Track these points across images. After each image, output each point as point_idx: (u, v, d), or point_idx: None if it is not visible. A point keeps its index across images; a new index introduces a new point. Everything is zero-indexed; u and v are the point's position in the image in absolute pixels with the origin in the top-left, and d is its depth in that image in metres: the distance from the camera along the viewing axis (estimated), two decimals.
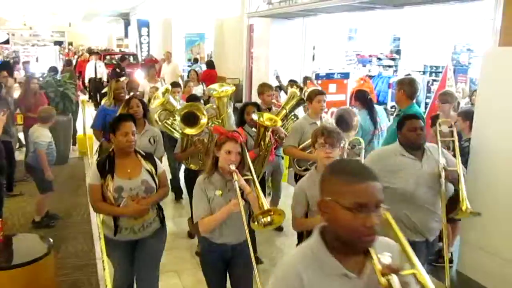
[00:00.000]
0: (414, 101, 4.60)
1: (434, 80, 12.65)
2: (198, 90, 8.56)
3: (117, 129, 3.25)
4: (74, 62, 18.74)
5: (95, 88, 14.72)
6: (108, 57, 19.32)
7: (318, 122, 4.66)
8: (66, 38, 39.14)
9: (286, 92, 6.56)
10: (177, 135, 5.27)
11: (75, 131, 9.46)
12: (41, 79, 8.99)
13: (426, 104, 10.31)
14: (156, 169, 3.33)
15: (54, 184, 5.71)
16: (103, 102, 6.25)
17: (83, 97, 13.44)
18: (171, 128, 5.42)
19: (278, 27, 9.97)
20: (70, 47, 35.74)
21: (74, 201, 6.54)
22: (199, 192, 2.97)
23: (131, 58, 19.08)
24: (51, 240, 3.95)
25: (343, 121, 4.88)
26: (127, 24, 27.81)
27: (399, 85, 4.59)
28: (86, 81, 15.37)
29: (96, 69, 14.73)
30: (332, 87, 6.34)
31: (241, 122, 4.92)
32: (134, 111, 4.39)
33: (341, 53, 14.04)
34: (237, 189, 2.82)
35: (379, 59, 15.12)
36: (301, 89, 5.54)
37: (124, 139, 3.21)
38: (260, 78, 10.41)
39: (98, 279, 4.44)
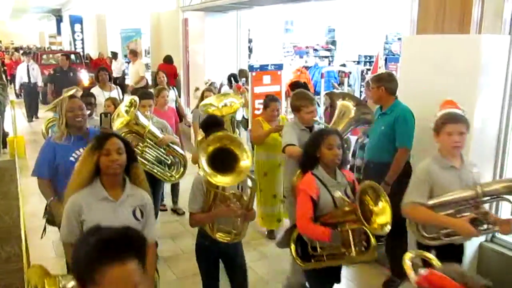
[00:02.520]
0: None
1: (368, 69, 13.08)
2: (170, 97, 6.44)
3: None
4: (2, 63, 17.55)
5: (28, 96, 12.59)
6: (45, 56, 16.91)
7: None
8: None
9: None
10: (149, 167, 4.32)
11: (4, 134, 9.04)
12: None
13: (361, 93, 10.66)
14: None
15: None
16: (45, 126, 5.75)
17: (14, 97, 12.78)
18: (142, 160, 4.23)
19: (213, 20, 9.96)
20: None
21: (6, 204, 6.27)
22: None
23: (73, 57, 15.93)
24: None
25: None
26: (59, 20, 26.75)
27: (376, 82, 4.09)
28: (17, 87, 13.65)
29: (29, 72, 12.39)
30: (266, 79, 6.40)
31: None
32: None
33: (279, 45, 14.22)
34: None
35: (316, 50, 15.45)
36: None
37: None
38: (197, 73, 10.40)
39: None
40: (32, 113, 12.65)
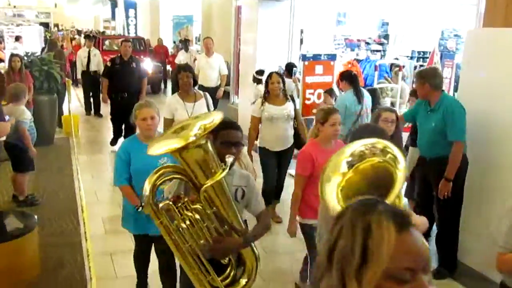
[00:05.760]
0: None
1: (421, 66, 12.68)
2: None
3: None
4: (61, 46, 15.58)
5: (89, 87, 10.96)
6: (107, 42, 15.33)
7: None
8: (51, 20, 38.49)
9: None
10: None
11: (60, 112, 9.36)
12: (25, 58, 8.84)
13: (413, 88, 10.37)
14: None
15: (37, 164, 5.68)
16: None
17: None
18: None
19: (266, 9, 9.90)
20: (58, 29, 35.06)
21: (60, 180, 6.52)
22: None
23: (136, 44, 14.19)
24: (36, 217, 3.94)
25: None
26: (113, 5, 27.40)
27: (421, 79, 4.10)
28: (79, 75, 11.72)
29: (90, 59, 10.91)
30: (318, 69, 6.33)
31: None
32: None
33: (330, 37, 14.01)
34: None
35: (367, 43, 15.11)
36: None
37: None
38: (247, 62, 10.39)
39: (83, 257, 4.44)
40: (89, 107, 11.15)
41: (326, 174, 1.77)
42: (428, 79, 3.99)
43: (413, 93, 5.19)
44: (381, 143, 1.80)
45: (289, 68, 7.74)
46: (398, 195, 1.72)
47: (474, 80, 4.09)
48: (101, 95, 8.67)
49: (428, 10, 13.48)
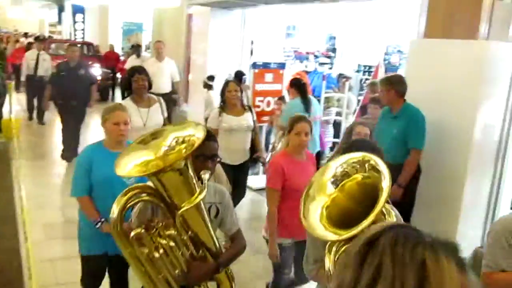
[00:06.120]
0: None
1: (367, 79, 13.16)
2: None
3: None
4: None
5: (34, 92, 10.08)
6: (53, 45, 14.33)
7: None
8: None
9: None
10: None
11: (0, 115, 8.93)
12: None
13: (359, 101, 10.73)
14: None
15: None
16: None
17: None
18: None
19: (218, 18, 9.97)
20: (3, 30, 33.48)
21: (0, 184, 6.24)
22: None
23: (85, 49, 14.15)
24: None
25: None
26: (61, 9, 26.63)
27: (386, 85, 4.14)
28: (23, 77, 10.43)
29: (39, 63, 10.07)
30: (268, 77, 6.45)
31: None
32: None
33: (279, 49, 14.25)
34: None
35: (316, 56, 15.51)
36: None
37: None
38: (198, 70, 10.38)
39: (21, 264, 4.26)
40: (32, 113, 10.55)
41: (311, 194, 1.69)
42: (395, 86, 4.07)
43: (372, 100, 5.29)
44: (367, 157, 1.71)
45: (239, 76, 7.77)
46: (387, 209, 1.69)
47: (416, 89, 4.28)
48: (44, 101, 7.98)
49: (373, 26, 14.03)
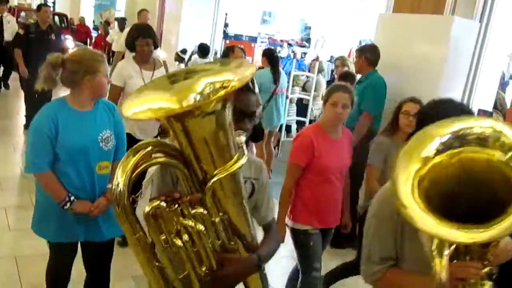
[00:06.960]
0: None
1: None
2: None
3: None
4: None
5: None
6: (23, 13, 13.58)
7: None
8: None
9: None
10: None
11: None
12: None
13: (328, 82, 10.82)
14: None
15: None
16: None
17: None
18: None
19: (190, 2, 9.74)
20: None
21: None
22: None
23: (57, 20, 13.20)
24: None
25: None
26: None
27: (359, 52, 4.23)
28: None
29: (3, 27, 8.84)
30: None
31: None
32: None
33: (254, 34, 14.26)
34: None
35: (290, 44, 15.56)
36: None
37: None
38: (169, 54, 10.16)
39: None
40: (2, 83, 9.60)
41: (406, 152, 1.27)
42: (365, 52, 4.17)
43: (340, 77, 5.11)
44: (498, 128, 1.23)
45: (202, 49, 7.60)
46: None
47: (384, 62, 4.31)
48: (19, 68, 6.87)
49: (348, 20, 14.19)
